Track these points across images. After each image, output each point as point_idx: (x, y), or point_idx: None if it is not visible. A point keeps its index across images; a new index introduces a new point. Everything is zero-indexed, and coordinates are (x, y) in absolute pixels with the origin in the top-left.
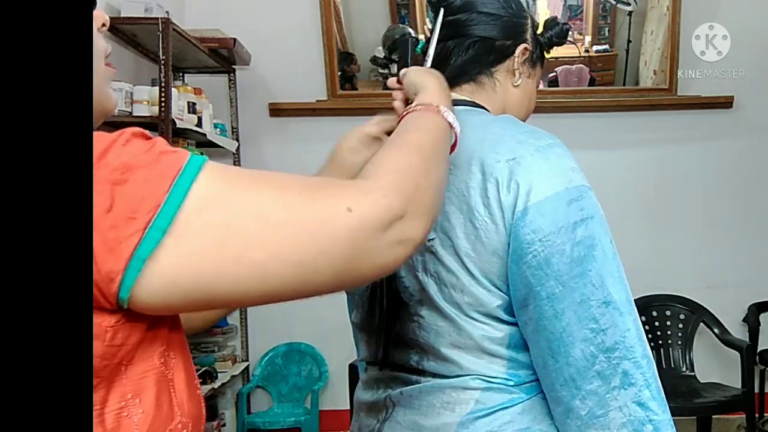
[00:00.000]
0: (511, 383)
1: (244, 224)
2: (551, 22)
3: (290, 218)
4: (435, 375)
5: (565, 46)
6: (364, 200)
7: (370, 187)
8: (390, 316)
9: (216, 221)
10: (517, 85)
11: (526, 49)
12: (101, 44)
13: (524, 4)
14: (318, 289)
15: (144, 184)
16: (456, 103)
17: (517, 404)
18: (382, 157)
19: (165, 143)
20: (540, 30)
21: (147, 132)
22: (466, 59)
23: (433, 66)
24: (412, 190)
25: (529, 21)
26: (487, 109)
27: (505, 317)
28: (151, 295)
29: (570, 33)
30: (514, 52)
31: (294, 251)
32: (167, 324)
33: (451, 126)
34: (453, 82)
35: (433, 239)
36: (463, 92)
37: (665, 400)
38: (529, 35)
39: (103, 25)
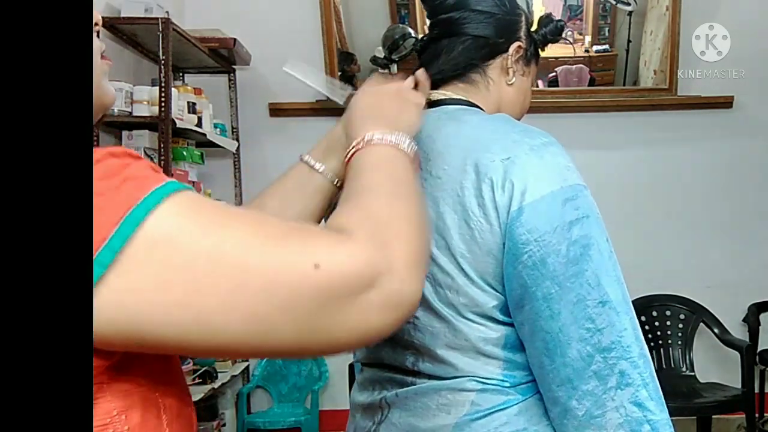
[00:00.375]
0: (507, 384)
1: (195, 266)
2: (545, 19)
3: (247, 264)
4: (430, 376)
5: (565, 46)
6: (337, 254)
7: (346, 239)
8: None
9: (165, 260)
10: (511, 84)
11: (519, 47)
12: (96, 43)
13: (518, 2)
14: (279, 350)
15: (96, 214)
16: (450, 102)
17: (513, 405)
18: (350, 206)
19: (143, 167)
20: (534, 27)
21: (131, 151)
22: (458, 58)
23: (424, 64)
24: (393, 240)
25: (523, 18)
26: (481, 108)
27: (501, 318)
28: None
29: (570, 33)
30: (507, 50)
31: (247, 303)
32: None
33: (400, 148)
34: (446, 80)
35: None
36: (456, 91)
37: (663, 399)
38: (523, 33)
39: (96, 24)
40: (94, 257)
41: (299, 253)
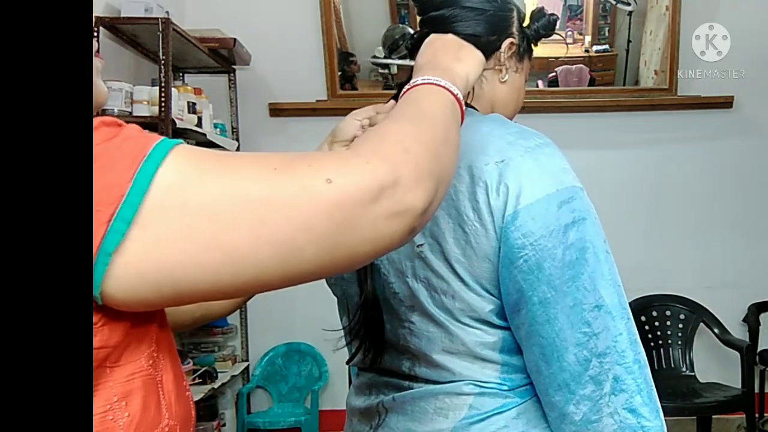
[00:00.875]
0: (505, 387)
1: (213, 208)
2: (538, 14)
3: (263, 196)
4: (428, 381)
5: (564, 45)
6: (345, 169)
7: (350, 155)
8: (381, 322)
9: (183, 206)
10: (504, 81)
11: (512, 43)
12: None
13: None
14: (306, 272)
15: (106, 173)
16: None
17: (511, 408)
18: (366, 133)
19: (135, 129)
20: (526, 22)
21: (119, 120)
22: None
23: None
24: (400, 154)
25: (515, 14)
26: (474, 108)
27: (498, 322)
28: (123, 289)
29: (570, 33)
30: (499, 47)
31: (269, 231)
32: (155, 323)
33: (440, 86)
34: None
35: (422, 245)
36: None
37: (658, 404)
38: (515, 28)
39: None
40: (115, 214)
41: (309, 175)
